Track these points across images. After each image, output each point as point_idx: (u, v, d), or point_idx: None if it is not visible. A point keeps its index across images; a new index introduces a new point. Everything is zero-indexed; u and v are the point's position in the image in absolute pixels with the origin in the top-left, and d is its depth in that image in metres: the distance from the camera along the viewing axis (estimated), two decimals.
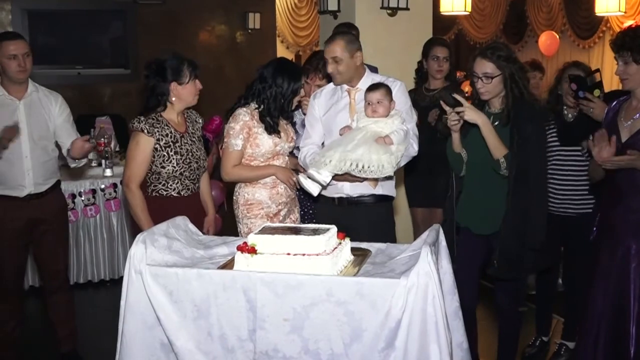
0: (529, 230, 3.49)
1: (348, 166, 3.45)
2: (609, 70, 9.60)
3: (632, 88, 3.29)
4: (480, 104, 3.66)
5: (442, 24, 9.76)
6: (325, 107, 3.86)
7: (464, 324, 2.97)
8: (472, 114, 3.47)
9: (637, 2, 8.48)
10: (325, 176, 3.52)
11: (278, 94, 3.88)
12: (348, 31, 4.14)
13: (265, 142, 3.87)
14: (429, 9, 6.05)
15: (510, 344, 3.94)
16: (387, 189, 3.81)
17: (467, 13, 8.76)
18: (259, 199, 3.91)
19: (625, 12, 8.31)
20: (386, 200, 3.85)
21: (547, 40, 9.18)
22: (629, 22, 8.41)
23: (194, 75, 3.78)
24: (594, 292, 3.37)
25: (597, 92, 3.88)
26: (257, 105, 3.90)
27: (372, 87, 3.63)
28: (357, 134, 3.53)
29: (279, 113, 3.90)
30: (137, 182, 3.73)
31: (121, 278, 3.09)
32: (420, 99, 4.98)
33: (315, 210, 4.09)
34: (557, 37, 8.87)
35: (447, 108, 3.54)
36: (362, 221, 3.69)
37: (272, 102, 3.88)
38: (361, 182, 3.65)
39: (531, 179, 3.49)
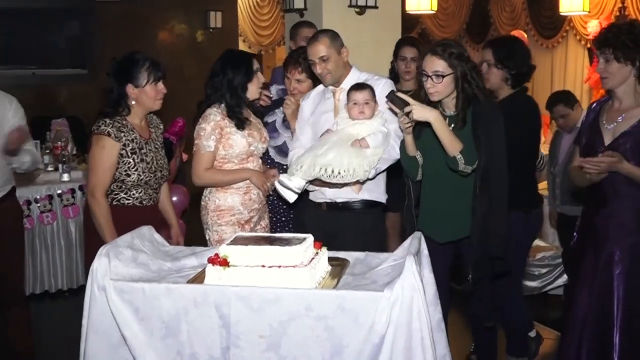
0: (490, 237, 3.31)
1: (317, 171, 3.30)
2: (571, 70, 9.65)
3: (612, 87, 3.20)
4: (430, 105, 3.33)
5: (406, 23, 9.65)
6: (312, 109, 3.73)
7: (444, 333, 2.84)
8: (421, 111, 3.18)
9: (600, 2, 8.49)
10: (297, 183, 3.38)
11: (230, 83, 3.70)
12: (328, 29, 3.95)
13: (238, 141, 3.70)
14: (398, 7, 5.95)
15: (489, 355, 3.83)
16: (374, 194, 3.64)
17: (433, 12, 8.69)
18: (231, 204, 3.73)
19: (589, 12, 8.32)
20: (375, 206, 3.67)
21: None
22: (593, 22, 8.43)
23: (154, 78, 3.55)
24: (576, 298, 3.27)
25: None
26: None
27: (358, 87, 3.47)
28: (332, 137, 3.39)
29: (237, 102, 3.72)
30: (104, 190, 3.49)
31: (80, 287, 2.93)
32: None
33: (294, 215, 3.96)
34: (525, 36, 8.86)
35: (397, 111, 3.25)
36: (345, 229, 3.55)
37: (228, 93, 3.70)
38: (339, 187, 3.50)
39: (493, 183, 3.28)
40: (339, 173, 3.26)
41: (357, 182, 3.45)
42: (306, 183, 3.46)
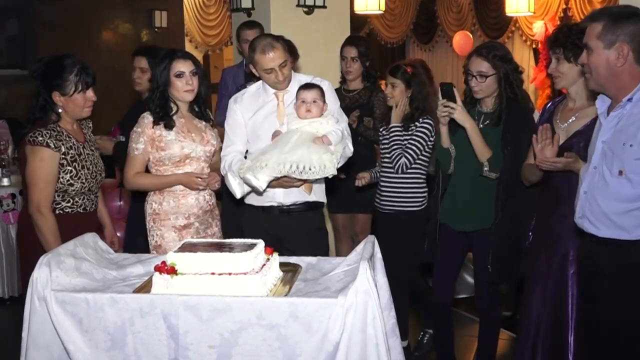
0: (521, 235, 3.46)
1: (288, 168, 3.22)
2: None
3: (564, 87, 3.22)
4: (472, 102, 3.69)
5: (354, 23, 9.64)
6: (250, 112, 3.62)
7: (399, 338, 2.79)
8: (461, 116, 3.48)
9: (544, 3, 8.61)
10: (262, 181, 3.28)
11: (155, 80, 3.54)
12: (270, 34, 3.86)
13: (172, 144, 3.53)
14: (347, 7, 5.93)
15: (490, 347, 3.86)
16: (318, 195, 3.61)
17: (381, 12, 8.68)
18: (165, 209, 3.58)
19: (534, 13, 8.44)
20: (318, 207, 3.66)
21: (460, 40, 9.24)
22: (538, 22, 8.54)
23: (82, 86, 3.39)
24: (531, 298, 3.27)
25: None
26: None
27: (307, 86, 3.44)
28: (292, 136, 3.32)
29: (162, 100, 3.51)
30: (49, 204, 3.35)
31: (22, 296, 2.80)
32: (340, 99, 4.79)
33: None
34: (471, 37, 8.93)
35: (439, 97, 3.52)
36: (293, 231, 3.50)
37: (155, 92, 3.53)
38: (298, 187, 3.44)
39: (523, 184, 3.44)
40: (310, 169, 3.23)
41: (307, 182, 3.40)
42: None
